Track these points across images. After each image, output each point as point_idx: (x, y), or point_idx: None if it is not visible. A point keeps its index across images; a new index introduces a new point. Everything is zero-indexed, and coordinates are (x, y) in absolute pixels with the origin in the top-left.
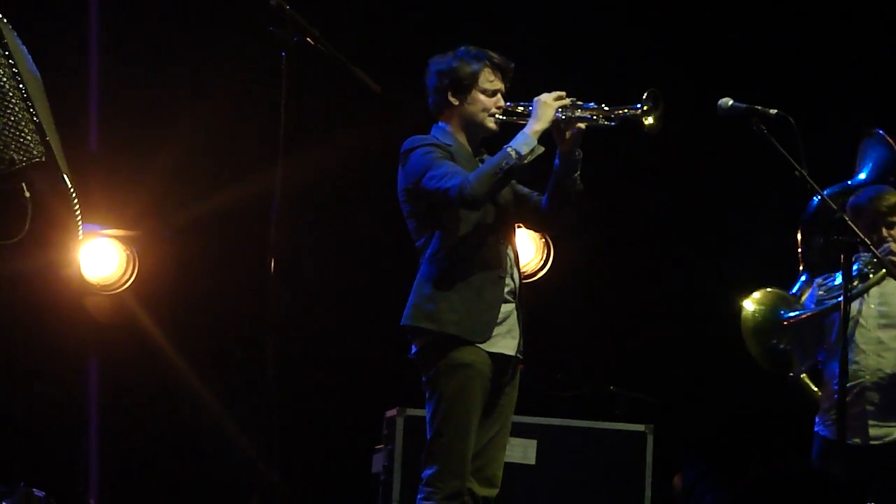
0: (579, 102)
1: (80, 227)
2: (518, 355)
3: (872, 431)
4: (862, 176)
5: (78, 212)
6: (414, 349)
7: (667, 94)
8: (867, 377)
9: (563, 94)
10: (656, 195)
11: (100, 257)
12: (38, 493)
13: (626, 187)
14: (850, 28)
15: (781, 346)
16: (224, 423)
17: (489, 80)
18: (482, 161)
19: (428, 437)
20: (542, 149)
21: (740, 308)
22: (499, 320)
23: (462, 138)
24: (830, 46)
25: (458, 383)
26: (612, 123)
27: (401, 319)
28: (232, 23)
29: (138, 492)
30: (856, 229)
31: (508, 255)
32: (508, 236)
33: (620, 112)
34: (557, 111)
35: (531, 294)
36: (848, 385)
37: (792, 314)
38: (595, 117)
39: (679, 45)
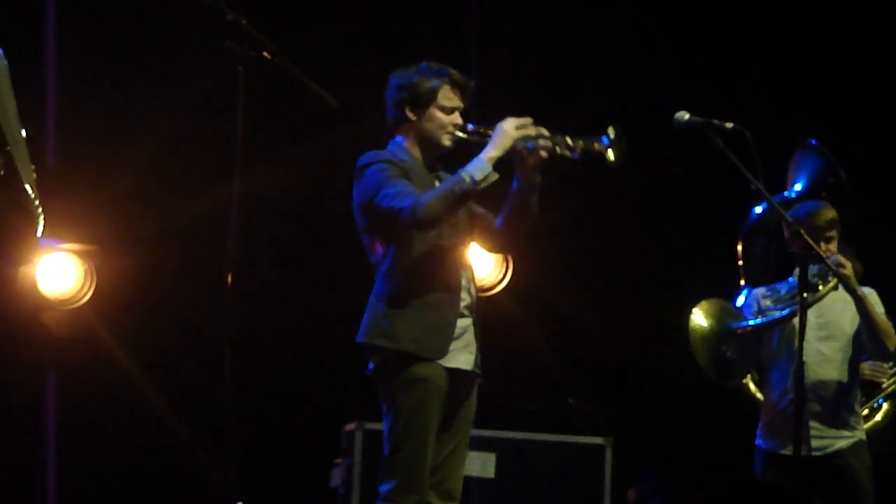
0: (544, 132)
1: (39, 242)
2: (475, 370)
3: (814, 443)
4: (798, 187)
5: (40, 226)
6: (371, 365)
7: (623, 109)
8: (807, 389)
9: (529, 121)
10: (613, 209)
11: (57, 272)
12: None
13: (583, 201)
14: (786, 40)
15: (728, 355)
16: (182, 437)
17: (448, 97)
18: (438, 178)
19: (385, 451)
20: (496, 176)
21: (687, 318)
22: (455, 335)
23: (418, 154)
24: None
25: (415, 398)
26: (575, 155)
27: (356, 337)
28: (189, 37)
29: None
30: (811, 241)
31: (464, 271)
32: (464, 253)
33: (584, 145)
34: (518, 140)
35: (490, 308)
36: (789, 397)
37: (742, 324)
38: (558, 149)
39: (632, 60)
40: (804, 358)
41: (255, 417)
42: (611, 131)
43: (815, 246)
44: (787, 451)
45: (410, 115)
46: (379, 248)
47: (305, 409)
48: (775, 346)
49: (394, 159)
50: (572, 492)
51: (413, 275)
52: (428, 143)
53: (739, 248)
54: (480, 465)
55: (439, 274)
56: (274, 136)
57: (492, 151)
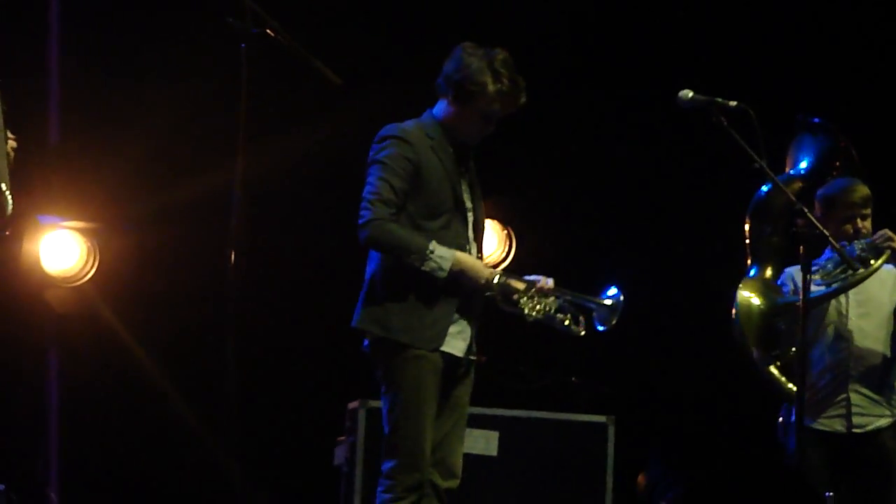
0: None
1: (36, 221)
2: (468, 357)
3: (855, 420)
4: (803, 165)
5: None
6: (366, 343)
7: (626, 84)
8: (850, 366)
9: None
10: (618, 185)
11: (60, 249)
12: None
13: (587, 177)
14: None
15: (781, 328)
16: (185, 415)
17: (493, 105)
18: (461, 174)
19: (385, 430)
20: (443, 276)
21: (738, 297)
22: (451, 321)
23: (450, 134)
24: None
25: (412, 377)
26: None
27: (352, 320)
28: (191, 15)
29: (99, 484)
30: (814, 220)
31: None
32: (472, 243)
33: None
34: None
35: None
36: (830, 374)
37: (799, 298)
38: (527, 313)
39: (640, 41)
40: (846, 335)
41: (258, 395)
42: (576, 323)
43: (818, 225)
44: (825, 427)
45: (452, 100)
46: None
47: (308, 387)
48: (815, 323)
49: (412, 144)
50: (575, 470)
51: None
52: (457, 132)
53: (746, 227)
54: (483, 443)
55: None
56: (277, 114)
57: (459, 264)
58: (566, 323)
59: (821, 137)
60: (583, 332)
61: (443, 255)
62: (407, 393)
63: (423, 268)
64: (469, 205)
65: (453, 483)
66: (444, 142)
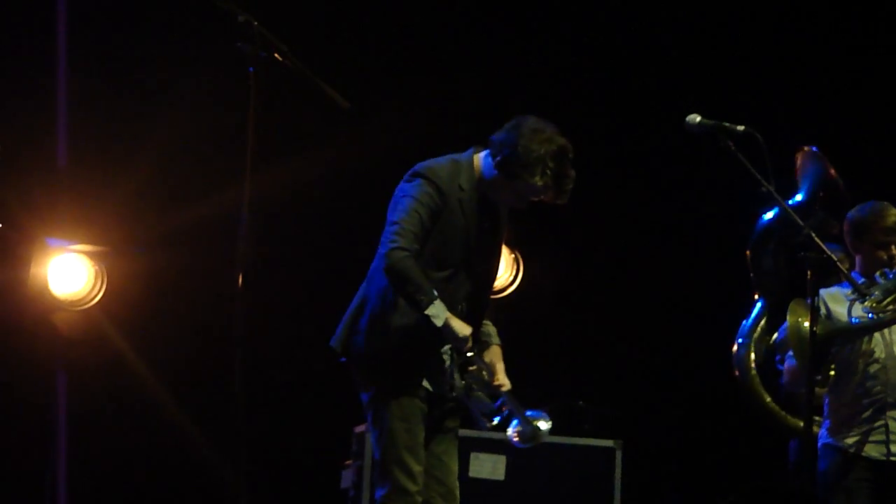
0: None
1: (45, 244)
2: (439, 393)
3: (894, 448)
4: (799, 197)
5: None
6: (352, 365)
7: (634, 108)
8: (889, 393)
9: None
10: (625, 211)
11: (68, 273)
12: None
13: (595, 204)
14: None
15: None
16: (193, 438)
17: (535, 190)
18: (486, 223)
19: (375, 455)
20: (437, 326)
21: (793, 322)
22: (429, 356)
23: (484, 190)
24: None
25: (397, 403)
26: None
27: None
28: (200, 39)
29: None
30: (823, 246)
31: (468, 306)
32: (466, 301)
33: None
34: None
35: (500, 309)
36: (868, 399)
37: (859, 323)
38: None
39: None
40: (884, 362)
41: (265, 419)
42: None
43: (823, 248)
44: (864, 454)
45: (496, 166)
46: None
47: (316, 411)
48: (856, 348)
49: (442, 184)
50: (582, 494)
51: (405, 310)
52: (491, 192)
53: (749, 256)
54: (491, 466)
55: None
56: (285, 137)
57: (450, 326)
58: (484, 414)
59: (813, 166)
60: (489, 426)
61: (442, 310)
62: (392, 421)
63: (423, 311)
64: (481, 262)
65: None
66: (474, 196)
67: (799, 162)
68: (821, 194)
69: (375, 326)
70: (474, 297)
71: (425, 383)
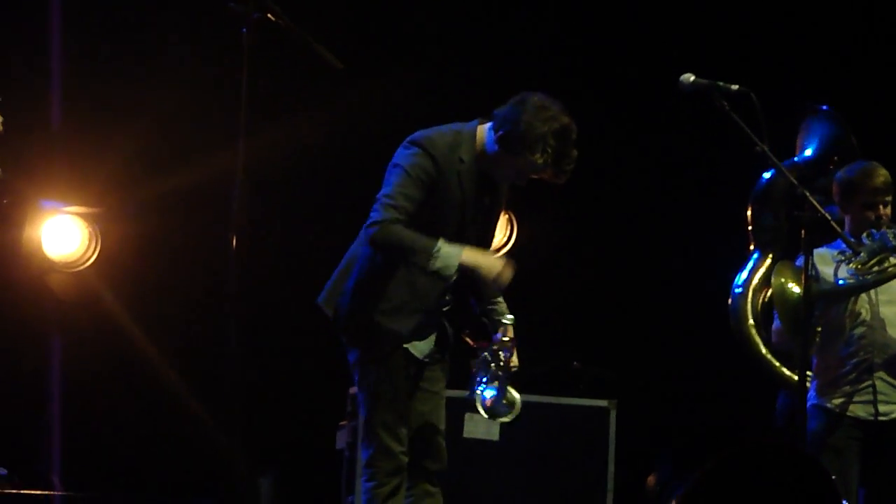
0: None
1: (38, 206)
2: (425, 359)
3: (881, 407)
4: (808, 153)
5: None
6: (336, 326)
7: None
8: (875, 353)
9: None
10: (619, 171)
11: (62, 234)
12: (0, 470)
13: (589, 164)
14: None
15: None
16: (187, 400)
17: (533, 169)
18: (485, 198)
19: (361, 416)
20: (454, 276)
21: (777, 286)
22: (413, 321)
23: (484, 164)
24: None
25: (382, 365)
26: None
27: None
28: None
29: (101, 469)
30: (817, 205)
31: (453, 291)
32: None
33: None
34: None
35: None
36: (855, 360)
37: (847, 285)
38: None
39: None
40: (871, 322)
41: (260, 380)
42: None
43: (818, 207)
44: (851, 413)
45: (498, 141)
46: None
47: (311, 372)
48: (842, 309)
49: (438, 154)
50: (577, 454)
51: (392, 270)
52: (491, 166)
53: (748, 213)
54: (485, 427)
55: (419, 278)
56: (279, 99)
57: (468, 260)
58: (484, 381)
59: (824, 125)
60: (466, 395)
61: (450, 253)
62: (376, 384)
63: (429, 268)
64: (475, 236)
65: (442, 465)
66: (473, 169)
67: (805, 120)
68: (835, 157)
69: (361, 289)
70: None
71: (410, 348)
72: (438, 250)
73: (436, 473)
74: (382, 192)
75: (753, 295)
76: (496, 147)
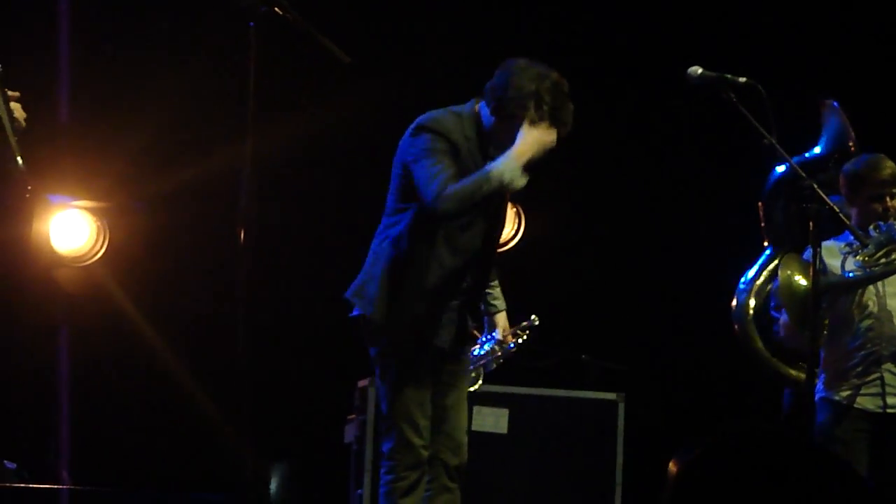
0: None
1: (46, 200)
2: (447, 350)
3: (890, 400)
4: (817, 150)
5: (28, 189)
6: (355, 312)
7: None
8: (883, 346)
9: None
10: (627, 164)
11: (70, 229)
12: (9, 464)
13: (596, 157)
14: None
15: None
16: (195, 393)
17: (532, 121)
18: (488, 160)
19: (383, 409)
20: (525, 180)
21: (785, 280)
22: (435, 313)
23: (487, 140)
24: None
25: (406, 359)
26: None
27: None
28: None
29: (109, 462)
30: (825, 198)
31: (473, 271)
32: (484, 258)
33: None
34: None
35: (502, 263)
36: (863, 353)
37: (853, 277)
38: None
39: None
40: (879, 314)
41: (269, 374)
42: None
43: (826, 200)
44: (859, 405)
45: (493, 112)
46: (399, 207)
47: (319, 366)
48: (850, 301)
49: (449, 134)
50: (585, 447)
51: (420, 253)
52: (493, 140)
53: (760, 207)
54: (493, 420)
55: (447, 259)
56: (286, 93)
57: (523, 152)
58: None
59: (833, 120)
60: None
61: (504, 163)
62: (398, 377)
63: (504, 184)
64: (492, 212)
65: (462, 460)
66: (476, 144)
67: (822, 114)
68: (836, 156)
69: (390, 273)
70: (486, 249)
71: (436, 340)
72: (492, 169)
73: (456, 469)
74: (419, 175)
75: (756, 292)
76: (493, 118)
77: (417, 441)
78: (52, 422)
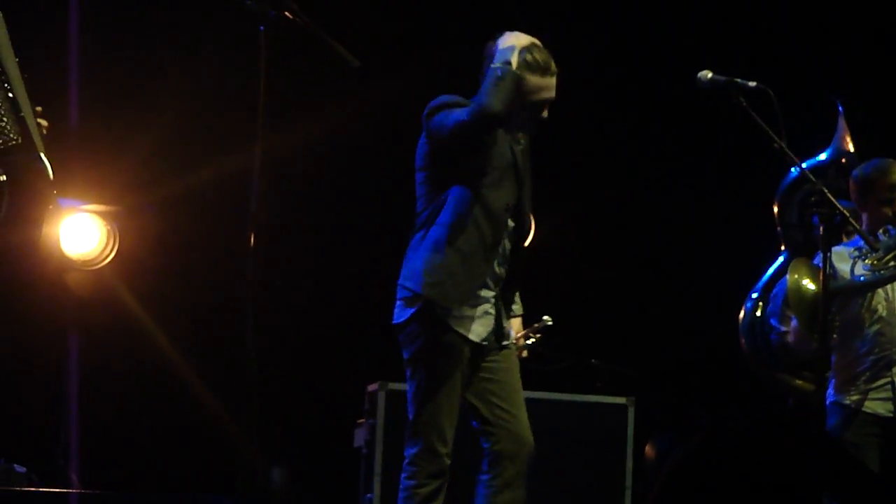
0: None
1: (56, 204)
2: (484, 343)
3: None
4: (822, 156)
5: (54, 190)
6: (396, 319)
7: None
8: (893, 349)
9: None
10: (637, 166)
11: (80, 233)
12: (18, 468)
13: (605, 159)
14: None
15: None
16: (205, 398)
17: (529, 81)
18: (516, 141)
19: (409, 414)
20: (512, 64)
21: (794, 284)
22: (475, 303)
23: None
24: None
25: (437, 366)
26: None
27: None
28: None
29: (119, 466)
30: (835, 202)
31: (505, 246)
32: (519, 204)
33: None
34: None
35: None
36: (873, 357)
37: (863, 280)
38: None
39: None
40: (889, 319)
41: (278, 378)
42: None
43: (836, 204)
44: (869, 409)
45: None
46: (432, 195)
47: (329, 369)
48: (859, 306)
49: (462, 101)
50: (595, 451)
51: (456, 224)
52: (505, 123)
53: (775, 211)
54: None
55: (483, 228)
56: (296, 97)
57: (507, 43)
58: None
59: (839, 125)
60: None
61: (498, 58)
62: (430, 381)
63: (510, 74)
64: (519, 179)
65: (521, 450)
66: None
67: (838, 118)
68: (842, 161)
69: (436, 242)
70: (518, 213)
71: (471, 335)
72: (497, 63)
73: (522, 461)
74: (452, 119)
75: (765, 299)
76: (487, 97)
77: (442, 450)
78: (61, 425)
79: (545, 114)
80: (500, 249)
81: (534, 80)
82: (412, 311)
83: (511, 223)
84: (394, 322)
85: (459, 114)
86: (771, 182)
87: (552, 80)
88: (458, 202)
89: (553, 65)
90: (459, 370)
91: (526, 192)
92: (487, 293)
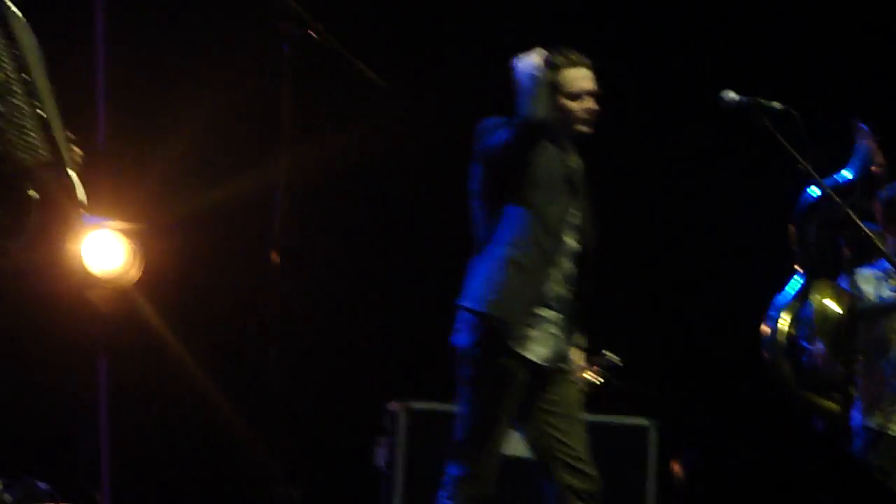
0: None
1: (83, 222)
2: (546, 364)
3: None
4: (847, 174)
5: (83, 207)
6: (456, 341)
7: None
8: None
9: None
10: (657, 185)
11: (105, 250)
12: (41, 485)
13: (626, 179)
14: (839, 21)
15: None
16: (228, 415)
17: (565, 79)
18: (568, 157)
19: (457, 434)
20: None
21: (819, 306)
22: (535, 322)
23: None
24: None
25: (493, 390)
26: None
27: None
28: (236, 17)
29: (145, 484)
30: (860, 224)
31: (568, 265)
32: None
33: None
34: None
35: None
36: None
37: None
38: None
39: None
40: None
41: (301, 395)
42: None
43: (861, 226)
44: (893, 432)
45: (529, 103)
46: (490, 217)
47: (352, 387)
48: (883, 329)
49: (506, 121)
50: (617, 473)
51: (514, 240)
52: (551, 132)
53: (791, 231)
54: (524, 445)
55: (542, 244)
56: (320, 116)
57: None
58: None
59: (862, 143)
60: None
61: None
62: (484, 407)
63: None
64: (578, 195)
65: (590, 485)
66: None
67: (856, 137)
68: (863, 180)
69: (492, 269)
70: (579, 231)
71: (521, 350)
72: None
73: (588, 493)
74: (497, 139)
75: (788, 319)
76: (534, 108)
77: (487, 476)
78: (87, 443)
79: (593, 105)
80: (562, 269)
81: (569, 73)
82: (471, 330)
83: (572, 243)
84: (452, 342)
85: (505, 132)
86: (792, 199)
87: (586, 70)
88: (514, 219)
89: (582, 57)
90: (514, 397)
91: (584, 207)
92: (550, 314)
